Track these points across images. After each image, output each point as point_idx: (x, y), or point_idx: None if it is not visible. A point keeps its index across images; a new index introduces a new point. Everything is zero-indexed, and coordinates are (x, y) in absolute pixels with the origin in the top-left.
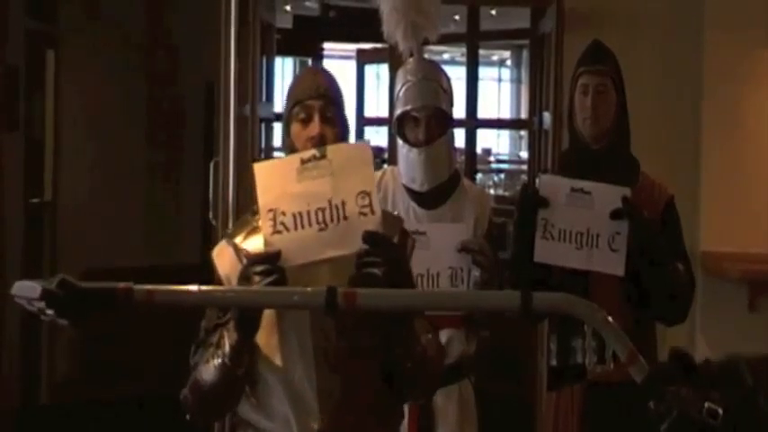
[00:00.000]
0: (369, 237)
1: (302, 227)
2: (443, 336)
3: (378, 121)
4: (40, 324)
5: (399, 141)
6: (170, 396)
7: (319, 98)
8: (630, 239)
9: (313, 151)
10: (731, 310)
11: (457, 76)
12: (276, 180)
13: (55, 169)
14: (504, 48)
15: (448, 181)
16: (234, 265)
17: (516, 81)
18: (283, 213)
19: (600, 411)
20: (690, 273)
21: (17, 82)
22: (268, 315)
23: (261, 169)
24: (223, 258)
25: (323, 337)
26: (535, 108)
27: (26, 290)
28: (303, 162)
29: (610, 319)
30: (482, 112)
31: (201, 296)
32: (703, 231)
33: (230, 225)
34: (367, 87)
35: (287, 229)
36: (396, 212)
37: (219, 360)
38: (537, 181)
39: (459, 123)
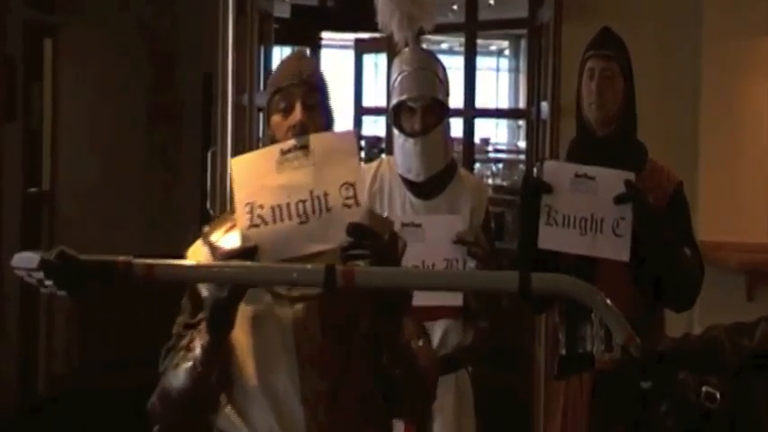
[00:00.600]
0: (353, 229)
1: (281, 220)
2: (440, 326)
3: (376, 111)
4: (37, 316)
5: (395, 131)
6: None
7: (301, 84)
8: (635, 224)
9: (293, 141)
10: (729, 300)
11: (455, 65)
12: (254, 173)
13: (53, 159)
14: (503, 38)
15: (444, 171)
16: None
17: (514, 71)
18: (261, 206)
19: (608, 399)
20: (698, 258)
21: (15, 71)
22: (245, 314)
23: (238, 163)
24: (197, 258)
25: (307, 337)
26: (533, 98)
27: (25, 261)
28: (283, 153)
29: (608, 301)
30: (480, 102)
31: (201, 271)
32: (701, 221)
33: None
34: (365, 77)
35: (265, 223)
36: (388, 212)
37: (190, 363)
38: (535, 169)
39: (458, 113)
